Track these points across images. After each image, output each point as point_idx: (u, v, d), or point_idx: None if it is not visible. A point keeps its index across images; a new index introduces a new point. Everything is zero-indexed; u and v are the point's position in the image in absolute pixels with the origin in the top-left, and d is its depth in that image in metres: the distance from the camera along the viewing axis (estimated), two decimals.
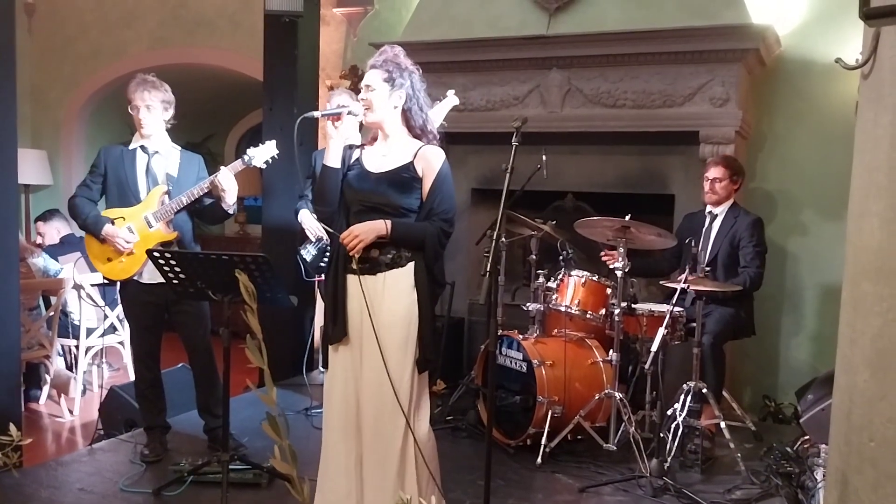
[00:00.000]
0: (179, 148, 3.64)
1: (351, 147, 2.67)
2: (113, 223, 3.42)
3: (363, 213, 2.54)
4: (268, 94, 4.90)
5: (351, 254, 2.49)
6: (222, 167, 3.44)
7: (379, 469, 2.51)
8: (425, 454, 2.52)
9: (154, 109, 3.45)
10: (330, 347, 2.59)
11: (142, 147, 3.51)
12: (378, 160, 2.60)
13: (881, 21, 1.30)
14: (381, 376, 2.47)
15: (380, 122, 2.60)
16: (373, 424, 2.51)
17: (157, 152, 3.52)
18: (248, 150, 3.52)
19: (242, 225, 7.83)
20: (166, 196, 3.45)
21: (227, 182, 3.39)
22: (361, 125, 2.69)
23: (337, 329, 2.55)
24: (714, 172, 4.02)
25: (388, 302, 2.50)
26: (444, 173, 2.58)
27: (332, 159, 2.58)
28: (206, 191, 3.42)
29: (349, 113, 2.58)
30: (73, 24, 7.17)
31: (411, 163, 2.55)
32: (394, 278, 2.51)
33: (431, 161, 2.56)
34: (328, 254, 4.10)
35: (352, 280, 2.54)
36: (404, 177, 2.55)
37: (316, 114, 2.66)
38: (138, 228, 3.43)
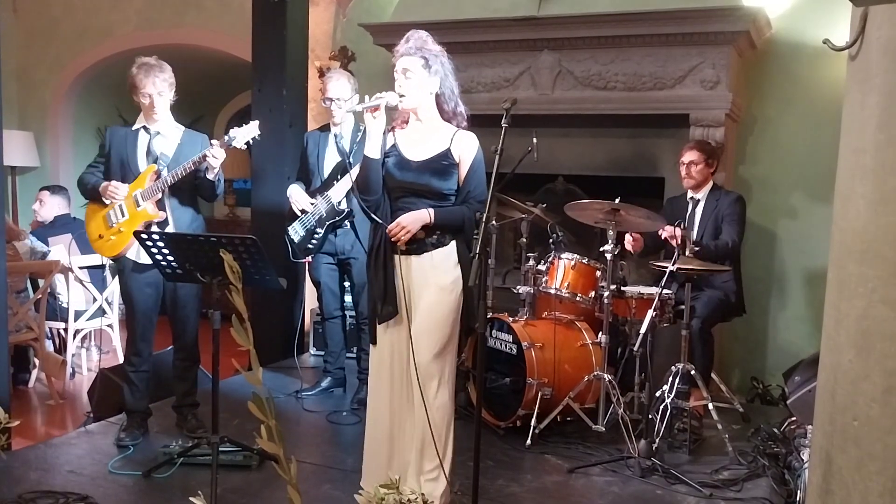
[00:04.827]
0: (183, 128, 3.61)
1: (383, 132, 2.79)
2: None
3: (406, 198, 2.70)
4: (257, 76, 4.85)
5: (399, 244, 2.65)
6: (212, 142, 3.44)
7: (412, 438, 2.70)
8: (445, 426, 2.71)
9: (164, 95, 3.46)
10: (379, 326, 2.74)
11: (144, 128, 3.52)
12: (415, 147, 2.73)
13: (869, 0, 1.30)
14: (429, 350, 2.63)
15: (415, 108, 2.72)
16: (418, 397, 2.65)
17: (159, 133, 3.52)
18: (231, 131, 3.48)
19: (232, 208, 7.79)
20: (157, 175, 3.44)
21: (216, 154, 3.36)
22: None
23: (387, 307, 2.69)
24: (689, 156, 4.04)
25: (435, 278, 2.68)
26: (478, 159, 2.74)
27: (374, 150, 2.69)
28: (190, 170, 3.39)
29: (387, 104, 2.65)
30: (59, 4, 7.07)
31: (448, 149, 2.70)
32: (440, 256, 2.70)
33: (468, 147, 2.72)
34: (316, 235, 4.12)
35: (398, 259, 2.70)
36: (443, 164, 2.70)
37: (358, 107, 2.71)
38: (128, 207, 3.43)
